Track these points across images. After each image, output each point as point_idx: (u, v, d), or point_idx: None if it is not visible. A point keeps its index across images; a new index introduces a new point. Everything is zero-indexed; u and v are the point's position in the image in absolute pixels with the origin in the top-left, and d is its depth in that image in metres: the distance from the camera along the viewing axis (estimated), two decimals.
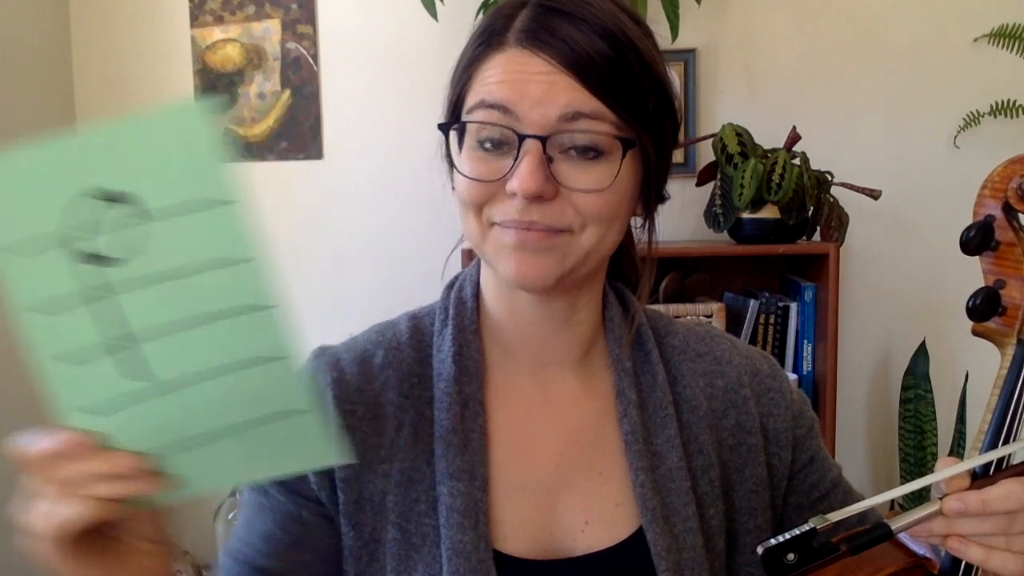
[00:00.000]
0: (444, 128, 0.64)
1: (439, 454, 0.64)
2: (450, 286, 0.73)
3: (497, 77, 0.59)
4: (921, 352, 1.75)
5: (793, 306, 1.67)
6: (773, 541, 0.55)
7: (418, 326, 0.71)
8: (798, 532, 0.54)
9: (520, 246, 0.59)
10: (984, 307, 0.59)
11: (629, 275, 0.77)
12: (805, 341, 1.66)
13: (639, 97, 0.59)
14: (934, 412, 1.72)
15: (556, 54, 0.57)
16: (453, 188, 0.67)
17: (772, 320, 1.67)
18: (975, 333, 0.61)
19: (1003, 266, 0.59)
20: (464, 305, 0.70)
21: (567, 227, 0.59)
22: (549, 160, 0.58)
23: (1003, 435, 0.57)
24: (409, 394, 0.67)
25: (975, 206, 0.61)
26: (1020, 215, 0.60)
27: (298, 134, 1.97)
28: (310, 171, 1.99)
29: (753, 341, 1.67)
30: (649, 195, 0.66)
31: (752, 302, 1.67)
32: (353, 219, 1.98)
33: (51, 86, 1.93)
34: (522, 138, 0.57)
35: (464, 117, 0.61)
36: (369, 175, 1.97)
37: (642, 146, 0.60)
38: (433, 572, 0.62)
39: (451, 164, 0.66)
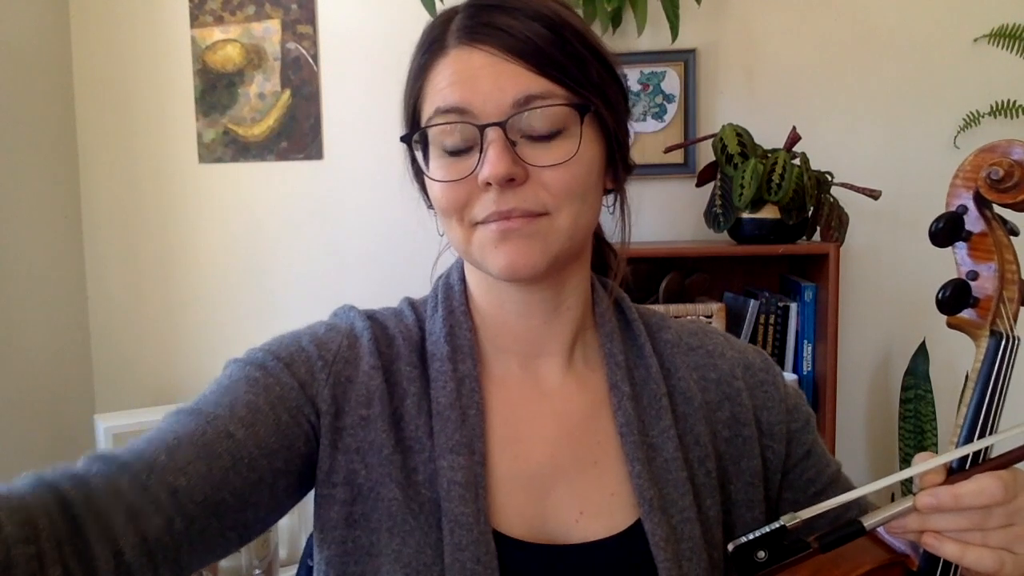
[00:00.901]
0: (406, 139, 0.66)
1: (437, 430, 0.64)
2: (440, 276, 0.75)
3: (446, 80, 0.61)
4: (921, 352, 1.74)
5: (793, 306, 1.67)
6: (743, 539, 0.54)
7: (417, 310, 0.73)
8: (767, 530, 0.54)
9: (503, 236, 0.60)
10: (953, 299, 0.58)
11: (608, 263, 0.78)
12: (805, 341, 1.66)
13: (582, 68, 0.61)
14: (934, 412, 1.72)
15: (497, 44, 0.59)
16: (428, 206, 0.69)
17: (772, 320, 1.67)
18: (950, 325, 0.60)
19: (976, 257, 0.59)
20: (452, 289, 0.71)
21: (543, 209, 0.60)
22: (513, 144, 0.59)
23: (978, 429, 0.57)
24: (416, 367, 0.68)
25: (947, 196, 0.60)
26: (993, 205, 0.59)
27: (298, 134, 1.97)
28: (310, 171, 1.99)
29: (753, 341, 1.67)
30: (615, 164, 0.67)
31: (752, 302, 1.67)
32: (353, 219, 1.98)
33: (51, 86, 1.93)
34: (482, 129, 0.59)
35: (423, 127, 0.63)
36: (369, 175, 1.97)
37: (596, 111, 0.62)
38: (430, 541, 0.61)
39: (421, 181, 0.68)
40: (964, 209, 0.59)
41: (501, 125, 0.59)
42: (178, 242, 2.03)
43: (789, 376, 1.65)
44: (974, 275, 0.59)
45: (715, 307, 1.60)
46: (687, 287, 1.71)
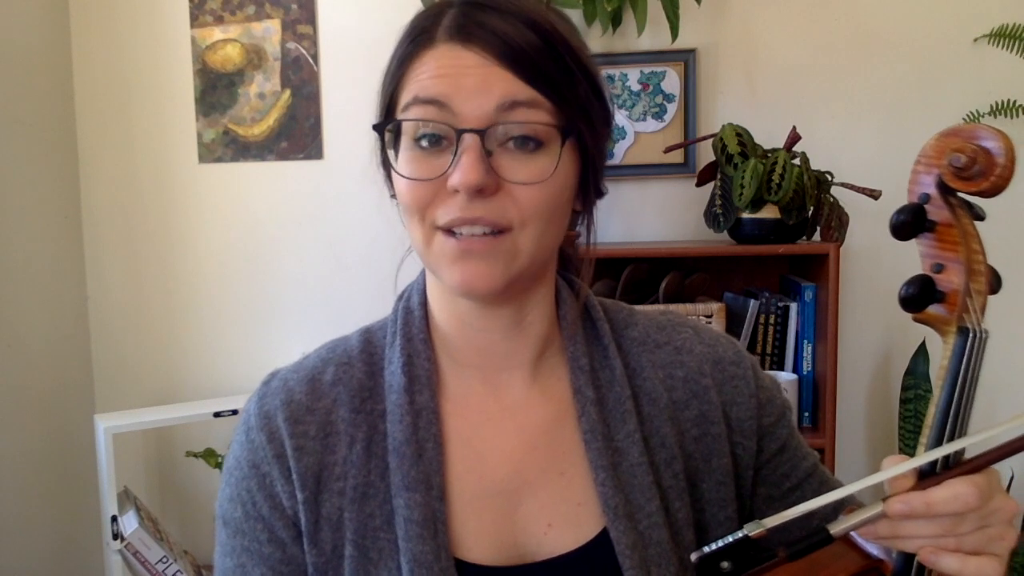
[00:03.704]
0: (379, 128, 0.63)
1: (393, 467, 0.63)
2: (400, 297, 0.73)
3: (430, 72, 0.58)
4: (921, 352, 1.74)
5: (793, 306, 1.67)
6: (706, 549, 0.53)
7: (370, 340, 0.71)
8: (731, 540, 0.52)
9: (464, 254, 0.58)
10: (918, 296, 0.55)
11: (574, 271, 0.76)
12: (805, 341, 1.66)
13: (570, 84, 0.59)
14: None
15: (487, 46, 0.57)
16: (392, 196, 0.67)
17: (772, 320, 1.67)
18: (916, 321, 0.57)
19: (941, 248, 0.55)
20: (411, 315, 0.69)
21: (508, 224, 0.59)
22: (488, 154, 0.57)
23: (948, 430, 0.54)
24: (361, 409, 0.66)
25: (909, 183, 0.56)
26: (957, 192, 0.55)
27: (298, 134, 1.97)
28: (310, 171, 1.99)
29: (753, 341, 1.67)
30: (587, 188, 0.65)
31: (752, 302, 1.67)
32: (353, 219, 1.98)
33: (51, 86, 1.93)
34: (460, 133, 0.57)
35: (399, 116, 0.61)
36: (369, 175, 1.96)
37: (579, 134, 0.60)
38: None
39: (388, 170, 0.66)
40: (927, 198, 0.56)
41: (480, 133, 0.56)
42: (178, 242, 2.03)
43: (788, 376, 1.65)
44: (939, 268, 0.56)
45: (715, 307, 1.60)
46: (687, 287, 1.71)
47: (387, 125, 0.62)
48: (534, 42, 0.58)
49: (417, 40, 0.60)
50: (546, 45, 0.58)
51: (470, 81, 0.57)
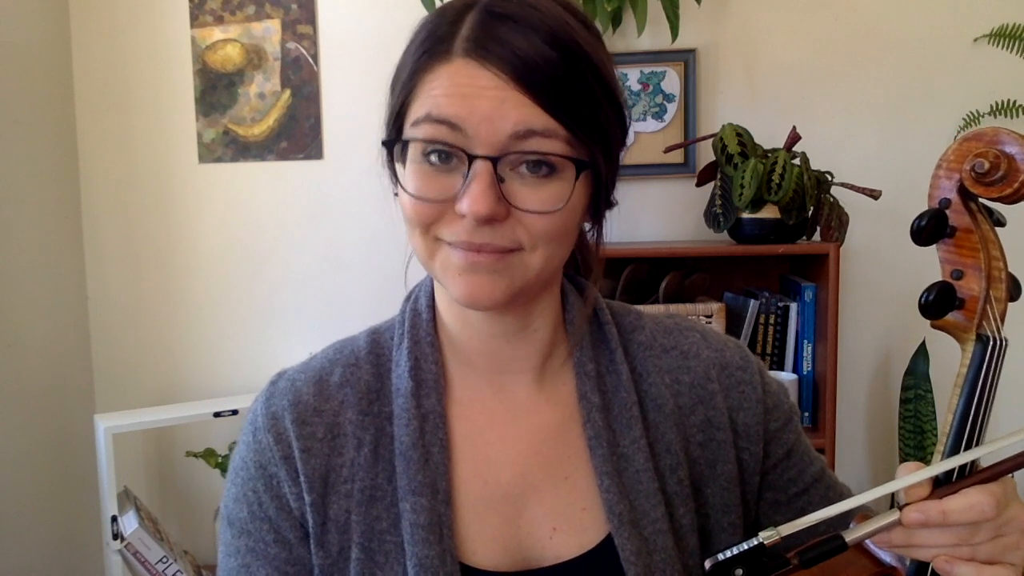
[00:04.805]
0: (389, 145, 0.62)
1: (400, 470, 0.63)
2: (407, 298, 0.72)
3: (444, 90, 0.56)
4: (921, 352, 1.75)
5: (793, 306, 1.67)
6: (720, 556, 0.52)
7: (377, 341, 0.70)
8: (746, 547, 0.52)
9: (470, 268, 0.57)
10: (937, 303, 0.54)
11: (584, 273, 0.76)
12: (805, 341, 1.66)
13: (591, 109, 0.57)
14: (934, 412, 1.72)
15: (505, 66, 0.54)
16: (396, 194, 0.66)
17: (772, 320, 1.67)
18: (935, 328, 0.57)
19: (961, 254, 0.55)
20: (419, 317, 0.69)
21: (518, 246, 0.58)
22: (500, 180, 0.55)
23: (965, 438, 0.54)
24: (368, 411, 0.66)
25: (930, 188, 0.56)
26: (978, 198, 0.55)
27: (298, 134, 1.97)
28: (310, 171, 1.99)
29: (753, 341, 1.67)
30: (599, 205, 0.64)
31: (752, 302, 1.67)
32: (353, 219, 1.98)
33: (51, 86, 1.93)
34: (472, 158, 0.55)
35: (409, 130, 0.59)
36: (369, 175, 1.96)
37: (594, 163, 0.59)
38: None
39: (394, 175, 0.65)
40: (947, 203, 0.55)
41: (493, 160, 0.55)
42: (178, 242, 2.03)
43: (788, 376, 1.65)
44: (959, 274, 0.55)
45: (715, 307, 1.60)
46: (687, 287, 1.71)
47: (397, 142, 0.60)
48: (554, 61, 0.55)
49: (433, 51, 0.58)
50: (567, 65, 0.55)
51: (485, 104, 0.54)
